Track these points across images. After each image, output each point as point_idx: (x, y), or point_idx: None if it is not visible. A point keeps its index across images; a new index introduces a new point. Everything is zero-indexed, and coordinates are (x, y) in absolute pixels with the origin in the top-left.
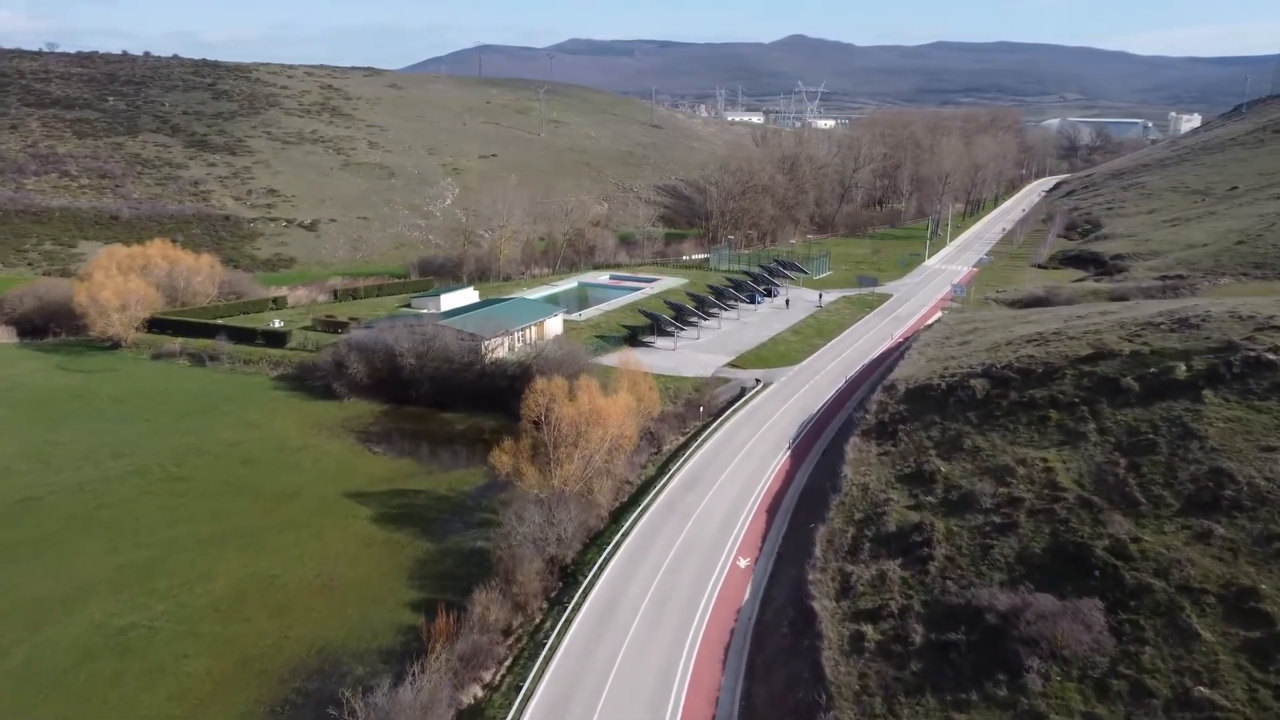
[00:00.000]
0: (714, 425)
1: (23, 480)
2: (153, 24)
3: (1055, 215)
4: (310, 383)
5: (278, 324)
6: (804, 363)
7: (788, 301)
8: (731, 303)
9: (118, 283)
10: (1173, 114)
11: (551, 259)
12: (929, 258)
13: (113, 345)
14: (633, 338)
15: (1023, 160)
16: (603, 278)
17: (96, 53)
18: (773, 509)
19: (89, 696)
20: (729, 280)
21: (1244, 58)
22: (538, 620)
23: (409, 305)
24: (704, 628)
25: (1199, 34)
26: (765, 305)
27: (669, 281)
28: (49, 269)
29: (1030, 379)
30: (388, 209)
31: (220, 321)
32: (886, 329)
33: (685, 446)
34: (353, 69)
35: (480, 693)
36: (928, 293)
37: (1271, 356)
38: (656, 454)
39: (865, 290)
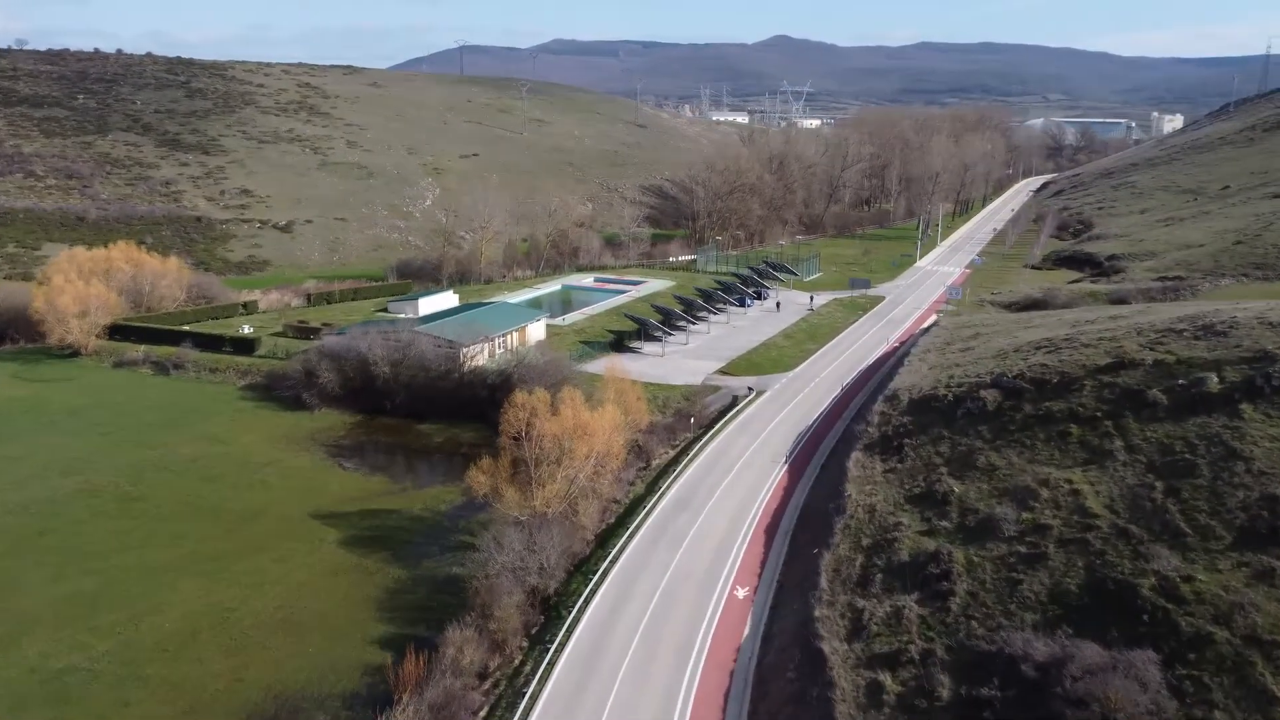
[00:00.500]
0: (706, 437)
1: None
2: (128, 24)
3: (1046, 215)
4: (279, 392)
5: (247, 330)
6: (798, 369)
7: (778, 304)
8: (720, 306)
9: (77, 287)
10: (1155, 114)
11: (534, 261)
12: (920, 258)
13: (72, 353)
14: (619, 343)
15: (1009, 160)
16: (587, 280)
17: (67, 50)
18: (771, 530)
19: None
20: (717, 282)
21: (1225, 58)
22: (517, 662)
23: (385, 310)
24: (700, 671)
25: (1180, 35)
26: (755, 308)
27: (656, 284)
28: (11, 273)
29: (1045, 390)
30: (366, 210)
31: (186, 328)
32: (881, 333)
33: (676, 461)
34: (331, 67)
35: None
36: (922, 294)
37: None
38: (645, 469)
39: (857, 292)
